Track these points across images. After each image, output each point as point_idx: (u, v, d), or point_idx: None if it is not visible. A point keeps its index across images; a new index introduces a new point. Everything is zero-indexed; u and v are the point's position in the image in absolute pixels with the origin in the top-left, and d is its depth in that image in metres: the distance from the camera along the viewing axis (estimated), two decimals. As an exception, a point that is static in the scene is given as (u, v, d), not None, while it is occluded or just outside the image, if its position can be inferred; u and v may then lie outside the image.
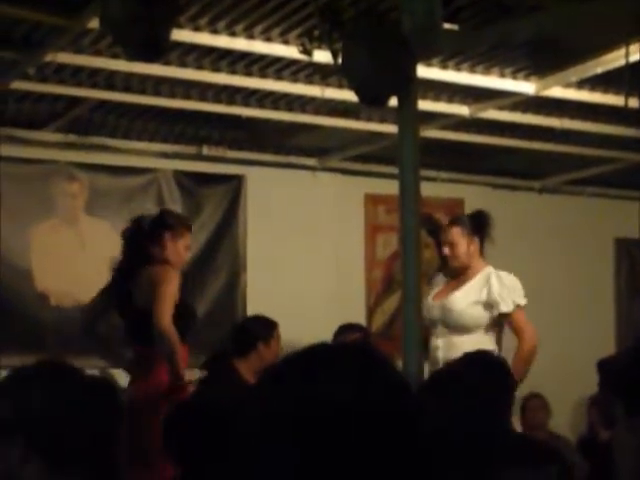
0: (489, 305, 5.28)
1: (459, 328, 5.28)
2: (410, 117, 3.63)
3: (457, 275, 5.39)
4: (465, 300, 5.30)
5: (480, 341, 5.17)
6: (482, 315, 5.29)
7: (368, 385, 1.21)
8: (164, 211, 5.60)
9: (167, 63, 5.24)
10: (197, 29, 4.79)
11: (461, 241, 5.33)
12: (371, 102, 3.76)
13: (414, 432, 1.22)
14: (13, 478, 2.18)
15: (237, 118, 6.25)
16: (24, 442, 2.20)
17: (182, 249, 5.21)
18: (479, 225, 5.38)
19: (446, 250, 5.35)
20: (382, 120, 6.42)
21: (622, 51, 4.35)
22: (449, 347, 5.14)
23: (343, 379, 1.21)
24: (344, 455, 1.16)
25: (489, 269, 5.34)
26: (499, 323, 5.33)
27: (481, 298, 5.28)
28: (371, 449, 1.17)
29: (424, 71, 4.92)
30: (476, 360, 3.29)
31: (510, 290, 5.28)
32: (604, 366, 5.32)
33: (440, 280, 5.50)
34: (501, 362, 3.57)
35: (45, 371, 2.37)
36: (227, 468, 1.25)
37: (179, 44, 4.88)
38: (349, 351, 1.30)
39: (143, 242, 5.13)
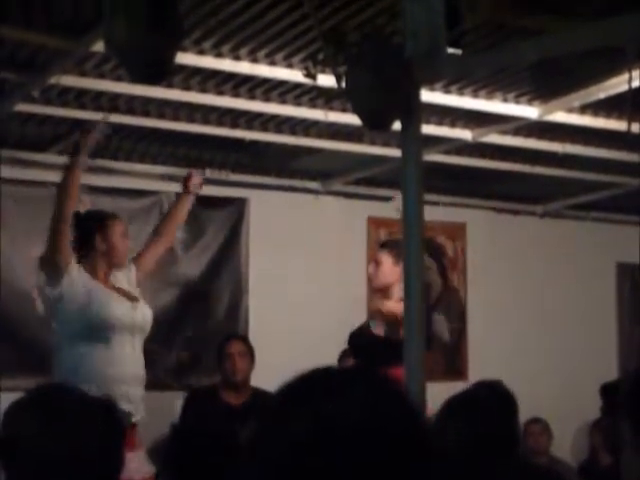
0: None
1: None
2: (413, 141, 3.62)
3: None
4: None
5: None
6: None
7: (377, 407, 1.21)
8: None
9: (171, 86, 5.25)
10: (201, 52, 4.80)
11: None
12: (374, 126, 3.75)
13: (427, 455, 1.22)
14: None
15: (240, 141, 6.25)
16: (21, 464, 2.20)
17: None
18: None
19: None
20: (385, 144, 6.43)
21: (625, 76, 4.35)
22: None
23: (351, 402, 1.20)
24: (356, 478, 1.15)
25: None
26: None
27: None
28: (383, 471, 1.16)
29: (427, 95, 4.93)
30: (490, 386, 3.31)
31: None
32: (608, 390, 5.31)
33: None
34: (508, 389, 3.58)
35: (46, 394, 2.37)
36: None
37: (183, 67, 4.90)
38: (355, 373, 1.30)
39: None
